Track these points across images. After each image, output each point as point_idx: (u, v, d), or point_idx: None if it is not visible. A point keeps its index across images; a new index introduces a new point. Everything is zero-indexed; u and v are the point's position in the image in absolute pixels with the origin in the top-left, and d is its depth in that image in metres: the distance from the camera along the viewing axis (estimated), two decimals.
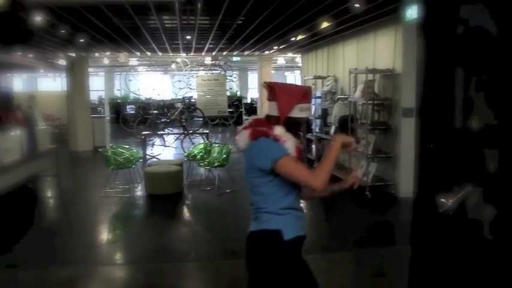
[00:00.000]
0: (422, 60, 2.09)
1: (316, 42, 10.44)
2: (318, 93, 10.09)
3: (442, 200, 1.90)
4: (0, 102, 12.01)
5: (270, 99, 2.48)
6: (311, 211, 7.32)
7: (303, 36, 9.20)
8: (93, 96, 26.65)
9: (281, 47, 11.48)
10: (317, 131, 10.05)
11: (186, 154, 9.01)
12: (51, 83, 27.11)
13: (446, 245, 2.00)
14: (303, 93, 2.43)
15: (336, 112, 8.90)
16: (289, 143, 2.36)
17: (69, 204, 7.90)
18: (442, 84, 2.02)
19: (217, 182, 8.38)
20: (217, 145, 8.98)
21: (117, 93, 26.56)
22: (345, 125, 8.25)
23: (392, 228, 6.21)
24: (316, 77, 10.41)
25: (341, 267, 5.06)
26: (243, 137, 2.46)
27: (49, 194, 8.63)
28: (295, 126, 2.45)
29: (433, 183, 2.05)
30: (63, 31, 8.16)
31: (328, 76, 10.01)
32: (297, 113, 2.39)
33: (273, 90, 2.44)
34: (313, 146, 10.35)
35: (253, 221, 2.52)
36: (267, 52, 13.03)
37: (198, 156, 8.50)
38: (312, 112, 10.48)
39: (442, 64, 2.03)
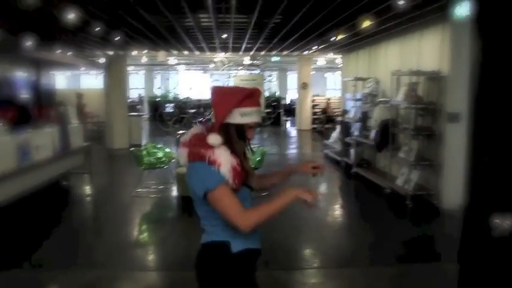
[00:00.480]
0: (477, 62, 1.80)
1: (357, 42, 10.03)
2: (358, 96, 9.68)
3: (497, 221, 1.69)
4: (35, 99, 12.17)
5: (211, 105, 2.31)
6: (347, 220, 7.00)
7: (343, 36, 8.81)
8: (133, 94, 26.97)
9: (320, 47, 11.11)
10: (356, 134, 9.64)
11: None
12: (93, 81, 27.52)
13: (498, 267, 1.80)
14: (244, 96, 2.17)
15: (377, 116, 8.48)
16: (225, 166, 2.11)
17: (99, 203, 7.83)
18: (500, 88, 1.76)
19: None
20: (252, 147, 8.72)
21: (157, 91, 26.76)
22: (386, 129, 7.85)
23: (435, 243, 5.78)
24: (357, 79, 9.99)
25: (380, 284, 4.68)
26: (182, 156, 2.24)
27: (80, 192, 8.55)
28: (238, 135, 2.21)
29: (486, 201, 1.81)
30: (98, 29, 8.06)
31: (369, 78, 9.58)
32: (236, 118, 2.16)
33: (212, 94, 2.25)
34: (352, 151, 9.94)
35: (203, 233, 2.36)
36: (306, 52, 12.67)
37: None
38: (352, 114, 10.10)
39: (501, 65, 1.77)
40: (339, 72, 23.81)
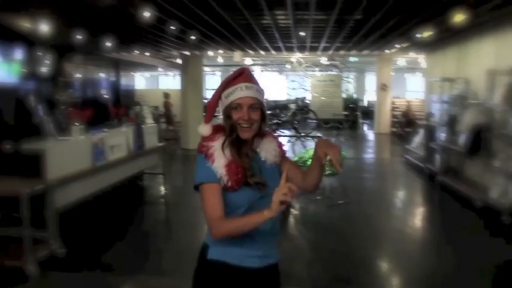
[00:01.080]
0: None
1: (444, 39, 9.29)
2: (445, 97, 8.96)
3: None
4: (113, 99, 12.39)
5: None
6: (431, 235, 6.36)
7: (430, 33, 8.14)
8: (209, 95, 27.21)
9: (404, 45, 10.45)
10: (442, 139, 8.92)
11: (294, 160, 8.40)
12: (171, 82, 28.10)
13: None
14: (229, 78, 2.02)
15: (468, 119, 7.74)
16: (218, 162, 1.94)
17: (171, 205, 7.71)
18: None
19: (328, 192, 7.73)
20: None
21: None
22: (478, 134, 7.14)
23: None
24: (444, 79, 9.24)
25: None
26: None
27: (154, 193, 8.48)
28: (227, 121, 2.00)
29: None
30: (174, 28, 7.98)
31: (458, 78, 8.83)
32: (224, 103, 2.01)
33: None
34: (437, 157, 9.23)
35: None
36: (387, 51, 12.01)
37: (308, 163, 7.87)
38: (437, 118, 9.37)
39: None
40: (419, 73, 22.79)
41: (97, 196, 6.25)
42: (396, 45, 10.47)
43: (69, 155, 5.44)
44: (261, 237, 1.99)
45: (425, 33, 8.17)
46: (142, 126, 7.70)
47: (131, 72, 21.65)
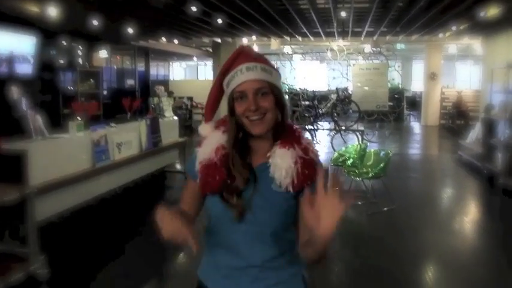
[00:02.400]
0: None
1: (510, 19, 7.99)
2: (510, 87, 7.70)
3: None
4: (126, 91, 11.63)
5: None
6: (494, 252, 5.15)
7: (496, 11, 6.89)
8: None
9: (462, 27, 9.13)
10: (506, 135, 7.68)
11: (332, 159, 7.36)
12: (209, 72, 27.38)
13: None
14: (227, 63, 1.57)
15: None
16: (200, 157, 1.58)
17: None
18: None
19: (370, 195, 6.70)
20: (373, 149, 7.18)
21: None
22: None
23: None
24: (510, 66, 7.91)
25: None
26: None
27: (172, 194, 7.56)
28: (230, 114, 1.54)
29: None
30: (197, 10, 7.08)
31: None
32: (226, 93, 1.58)
33: None
34: (499, 156, 7.99)
35: None
36: (440, 35, 10.68)
37: (349, 162, 6.80)
38: (500, 110, 8.10)
39: None
40: (471, 61, 21.17)
41: (104, 199, 5.47)
42: (453, 28, 9.17)
43: (61, 156, 4.62)
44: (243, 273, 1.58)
45: (491, 11, 6.91)
46: (160, 119, 6.86)
47: (167, 63, 20.99)
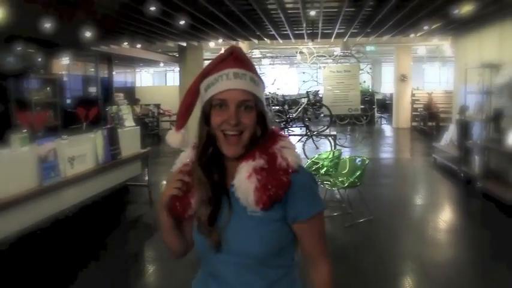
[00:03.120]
0: None
1: (484, 16, 7.74)
2: (486, 87, 7.45)
3: None
4: (89, 99, 11.03)
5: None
6: (475, 258, 4.81)
7: (471, 8, 6.61)
8: None
9: (435, 25, 8.84)
10: (483, 137, 7.43)
11: (307, 165, 6.95)
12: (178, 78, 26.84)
13: None
14: (212, 63, 1.36)
15: None
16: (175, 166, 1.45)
17: (152, 228, 6.25)
18: None
19: (346, 206, 6.33)
20: (348, 156, 6.79)
21: None
22: None
23: None
24: (484, 66, 7.67)
25: None
26: None
27: (133, 211, 6.99)
28: (205, 122, 1.35)
29: None
30: (163, 13, 6.62)
31: (504, 63, 7.30)
32: (202, 97, 1.36)
33: None
34: (476, 158, 7.75)
35: None
36: (412, 35, 10.41)
37: (322, 171, 6.40)
38: (475, 112, 7.85)
39: None
40: (438, 63, 21.17)
41: (58, 221, 4.96)
42: (424, 27, 8.90)
43: (1, 174, 4.08)
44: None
45: (464, 8, 6.62)
46: (119, 129, 6.35)
47: (133, 69, 20.37)
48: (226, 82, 1.30)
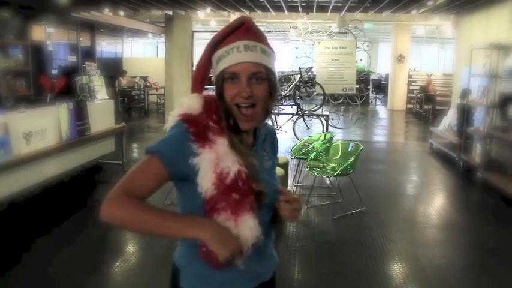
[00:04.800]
0: None
1: None
2: (494, 70, 6.86)
3: None
4: (68, 69, 10.33)
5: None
6: (475, 256, 4.25)
7: None
8: None
9: (438, 2, 8.18)
10: (486, 124, 6.89)
11: (293, 150, 6.36)
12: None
13: None
14: (222, 33, 1.36)
15: None
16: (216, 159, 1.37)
17: None
18: None
19: (336, 194, 5.79)
20: (341, 141, 6.20)
21: None
22: None
23: None
24: (492, 47, 7.02)
25: None
26: None
27: (100, 191, 6.30)
28: (217, 95, 1.38)
29: None
30: None
31: None
32: (214, 70, 1.39)
33: None
34: (477, 146, 7.22)
35: None
36: (414, 11, 9.73)
37: (311, 155, 5.79)
38: (478, 96, 7.28)
39: None
40: (437, 44, 20.58)
41: (13, 204, 4.40)
42: (429, 2, 8.23)
43: None
44: (254, 251, 1.35)
45: None
46: (91, 102, 5.73)
47: (119, 39, 19.55)
48: (237, 55, 1.32)
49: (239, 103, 1.33)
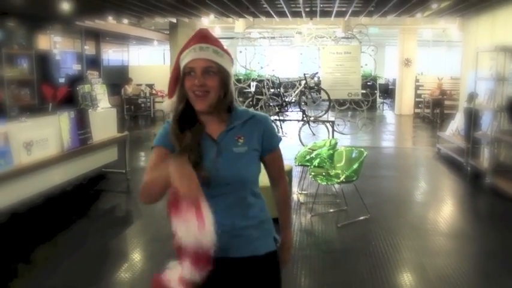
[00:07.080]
0: None
1: None
2: (498, 73, 6.75)
3: None
4: (74, 77, 10.32)
5: None
6: (487, 266, 4.15)
7: None
8: None
9: (442, 5, 8.10)
10: (494, 128, 6.79)
11: (297, 156, 6.29)
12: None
13: None
14: (188, 41, 1.72)
15: None
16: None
17: (128, 218, 5.64)
18: None
19: (341, 202, 5.71)
20: (345, 147, 6.11)
21: (241, 69, 24.51)
22: None
23: None
24: (499, 49, 6.93)
25: None
26: None
27: (104, 200, 6.20)
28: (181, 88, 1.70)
29: None
30: None
31: None
32: (180, 67, 1.70)
33: None
34: (485, 151, 7.11)
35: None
36: (418, 15, 9.63)
37: (315, 162, 5.71)
38: (485, 100, 7.19)
39: None
40: (443, 47, 20.41)
41: (15, 214, 4.37)
42: (433, 5, 8.14)
43: None
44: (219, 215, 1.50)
45: None
46: (93, 111, 5.70)
47: (126, 47, 19.59)
48: (193, 53, 1.65)
49: (194, 90, 1.63)
